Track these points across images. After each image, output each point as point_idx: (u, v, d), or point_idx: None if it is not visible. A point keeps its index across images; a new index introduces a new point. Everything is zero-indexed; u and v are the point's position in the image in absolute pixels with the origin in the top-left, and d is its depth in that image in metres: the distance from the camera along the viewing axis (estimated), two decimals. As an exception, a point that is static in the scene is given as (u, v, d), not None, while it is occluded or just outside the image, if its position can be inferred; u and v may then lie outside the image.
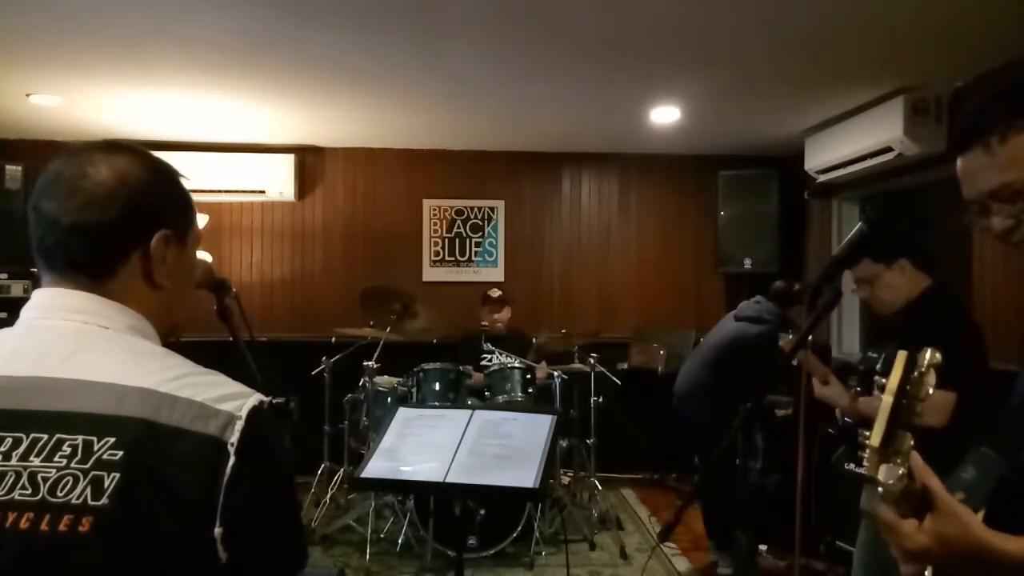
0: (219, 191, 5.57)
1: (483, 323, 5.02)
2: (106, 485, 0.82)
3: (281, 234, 5.99)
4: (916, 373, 0.94)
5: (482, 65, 3.97)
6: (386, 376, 4.75)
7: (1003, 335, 3.36)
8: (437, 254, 6.09)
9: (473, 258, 6.11)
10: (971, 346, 2.42)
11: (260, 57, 3.83)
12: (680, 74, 4.11)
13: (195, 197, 1.07)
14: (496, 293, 5.09)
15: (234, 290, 1.95)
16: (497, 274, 6.07)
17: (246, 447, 0.87)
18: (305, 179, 5.97)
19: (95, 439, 0.85)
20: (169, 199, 1.03)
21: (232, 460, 0.86)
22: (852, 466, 2.68)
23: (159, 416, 0.86)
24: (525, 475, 2.21)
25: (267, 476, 0.91)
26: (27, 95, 4.51)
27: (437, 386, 4.48)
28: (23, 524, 0.81)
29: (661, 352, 5.62)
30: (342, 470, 4.74)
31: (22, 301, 0.98)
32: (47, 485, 0.83)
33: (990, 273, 3.90)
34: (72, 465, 0.84)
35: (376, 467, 2.33)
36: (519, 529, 4.06)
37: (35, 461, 0.84)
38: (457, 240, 6.10)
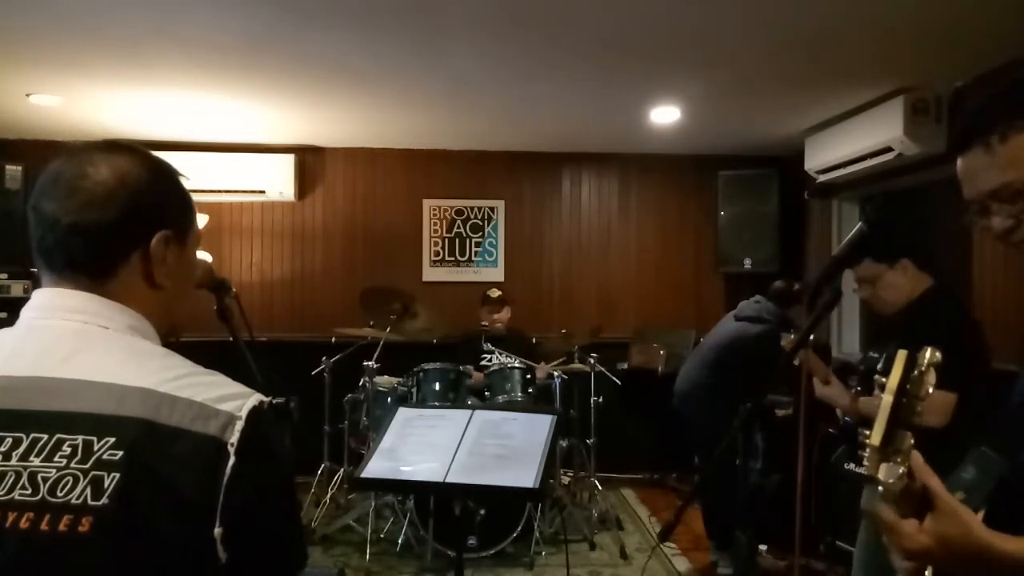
0: (219, 191, 5.57)
1: (483, 323, 5.02)
2: (106, 485, 0.82)
3: (281, 234, 5.99)
4: (916, 372, 0.95)
5: (482, 65, 3.97)
6: (386, 376, 4.75)
7: (1003, 335, 3.36)
8: (437, 254, 6.09)
9: (473, 258, 6.11)
10: (972, 346, 2.42)
11: (260, 57, 3.83)
12: (680, 74, 4.11)
13: (195, 197, 1.07)
14: (496, 293, 5.09)
15: (234, 290, 1.95)
16: (497, 274, 6.07)
17: (246, 447, 0.87)
18: (305, 179, 5.97)
19: (95, 439, 0.85)
20: (169, 199, 1.03)
21: (232, 460, 0.86)
22: (852, 466, 2.68)
23: (159, 416, 0.86)
24: (525, 475, 2.21)
25: (267, 476, 0.91)
26: (27, 95, 4.51)
27: (437, 386, 4.48)
28: (23, 524, 0.81)
29: (661, 352, 5.62)
30: (342, 470, 4.74)
31: (22, 301, 0.98)
32: (47, 485, 0.83)
33: (990, 273, 3.90)
34: (72, 465, 0.84)
35: (376, 467, 2.33)
36: (519, 529, 4.06)
37: (35, 461, 0.84)
38: (457, 240, 6.10)
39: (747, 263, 5.77)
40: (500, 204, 6.12)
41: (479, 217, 6.11)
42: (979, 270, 3.97)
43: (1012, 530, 0.98)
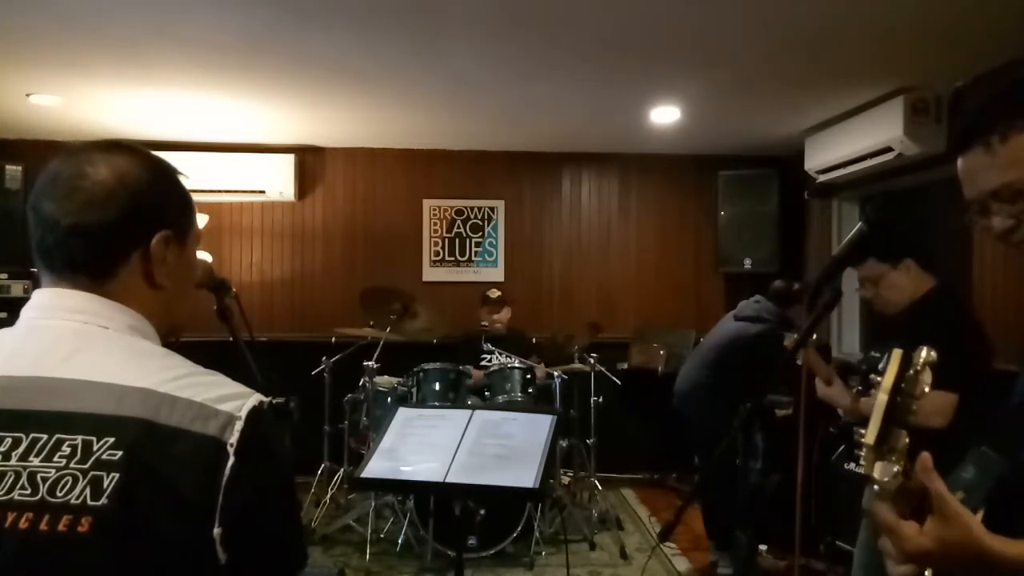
0: (219, 191, 5.57)
1: (483, 323, 5.02)
2: (105, 485, 0.82)
3: (281, 234, 5.99)
4: (912, 371, 0.95)
5: (482, 65, 3.97)
6: (386, 376, 4.75)
7: (1003, 335, 3.35)
8: (437, 254, 6.09)
9: (473, 258, 6.11)
10: (973, 346, 2.42)
11: (260, 57, 3.83)
12: (680, 74, 4.11)
13: (195, 197, 1.07)
14: (495, 294, 5.09)
15: (234, 290, 1.95)
16: (497, 274, 6.07)
17: (245, 447, 0.87)
18: (305, 179, 5.97)
19: (94, 439, 0.85)
20: (169, 199, 1.03)
21: (232, 460, 0.86)
22: (852, 466, 2.68)
23: (159, 416, 0.86)
24: (525, 475, 2.21)
25: (267, 476, 0.91)
26: (27, 95, 4.51)
27: (437, 386, 4.48)
28: (22, 524, 0.81)
29: (661, 352, 5.62)
30: (342, 470, 4.74)
31: (22, 301, 0.97)
32: (46, 485, 0.83)
33: (990, 273, 3.90)
34: (71, 465, 0.84)
35: (376, 467, 2.33)
36: (519, 529, 4.06)
37: (34, 461, 0.84)
38: (457, 240, 6.10)
39: (747, 263, 5.77)
40: (500, 204, 6.12)
41: (479, 217, 6.11)
42: (979, 270, 3.97)
43: (1011, 530, 0.98)
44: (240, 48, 3.69)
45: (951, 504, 0.93)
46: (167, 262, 1.00)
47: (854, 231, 1.79)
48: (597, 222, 6.19)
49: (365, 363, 4.42)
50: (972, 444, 1.25)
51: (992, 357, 2.45)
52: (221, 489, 0.85)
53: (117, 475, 0.83)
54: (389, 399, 4.50)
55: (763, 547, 4.08)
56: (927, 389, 0.94)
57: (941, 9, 3.15)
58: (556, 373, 4.72)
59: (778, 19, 3.28)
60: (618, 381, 5.13)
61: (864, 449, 0.94)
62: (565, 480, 4.96)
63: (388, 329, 4.46)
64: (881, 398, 0.94)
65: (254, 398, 0.92)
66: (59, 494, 0.82)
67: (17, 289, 4.85)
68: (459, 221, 6.09)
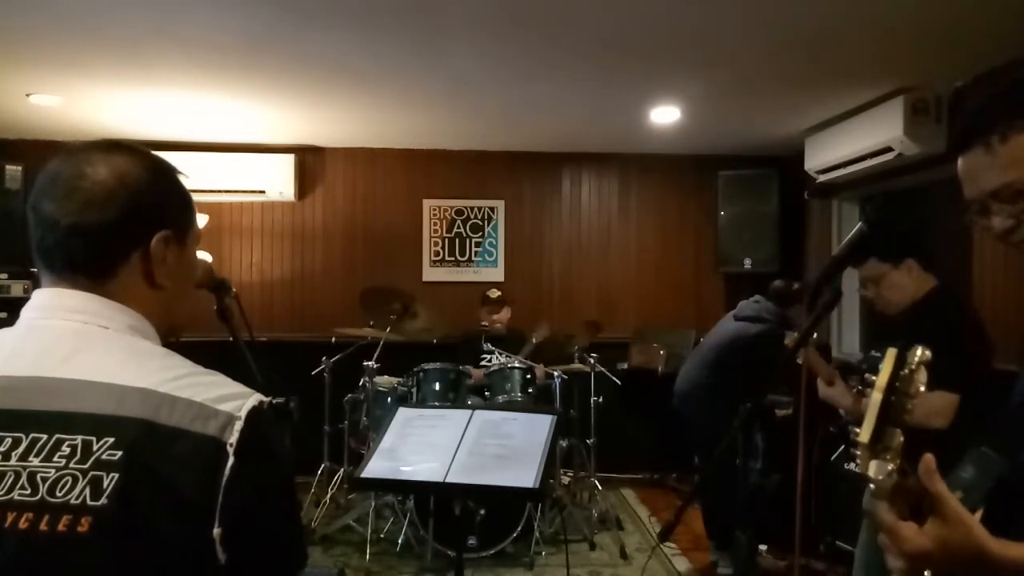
0: (219, 191, 5.57)
1: (483, 323, 5.03)
2: (105, 485, 0.82)
3: (281, 234, 5.99)
4: (906, 370, 0.95)
5: (482, 65, 3.97)
6: (386, 376, 4.74)
7: (1003, 335, 3.35)
8: (437, 254, 6.09)
9: (473, 258, 6.11)
10: (973, 347, 2.42)
11: (260, 57, 3.83)
12: (680, 74, 4.11)
13: (195, 197, 1.07)
14: (495, 294, 5.09)
15: (234, 290, 1.95)
16: (497, 274, 6.07)
17: (245, 447, 0.87)
18: (305, 179, 5.97)
19: (94, 439, 0.85)
20: (169, 199, 1.03)
21: (231, 460, 0.86)
22: (852, 466, 2.67)
23: (159, 416, 0.86)
24: (525, 475, 2.21)
25: (266, 476, 0.91)
26: (27, 95, 4.51)
27: (437, 386, 4.48)
28: (22, 524, 0.81)
29: (661, 352, 5.62)
30: (342, 470, 4.74)
31: (22, 301, 0.97)
32: (46, 485, 0.83)
33: (990, 273, 3.90)
34: (71, 465, 0.84)
35: (376, 467, 2.33)
36: (519, 529, 4.06)
37: (34, 461, 0.84)
38: (457, 240, 6.10)
39: (747, 263, 5.77)
40: (500, 204, 6.12)
41: (479, 217, 6.11)
42: (979, 270, 3.97)
43: (1010, 529, 0.98)
44: (240, 48, 3.69)
45: (951, 505, 0.93)
46: (167, 262, 1.00)
47: (854, 231, 1.79)
48: (597, 222, 6.19)
49: (365, 363, 4.42)
50: (972, 444, 1.25)
51: (992, 357, 2.45)
52: (221, 489, 0.85)
53: (117, 475, 0.83)
54: (389, 399, 4.50)
55: (763, 547, 4.08)
56: (922, 388, 0.94)
57: (941, 9, 3.15)
58: (556, 373, 4.72)
59: (778, 19, 3.28)
60: (618, 381, 5.13)
61: (860, 448, 0.94)
62: (565, 480, 4.96)
63: (388, 329, 4.46)
64: (875, 397, 0.95)
65: (254, 398, 0.92)
66: (59, 494, 0.82)
67: (17, 289, 4.85)
68: (459, 221, 6.09)
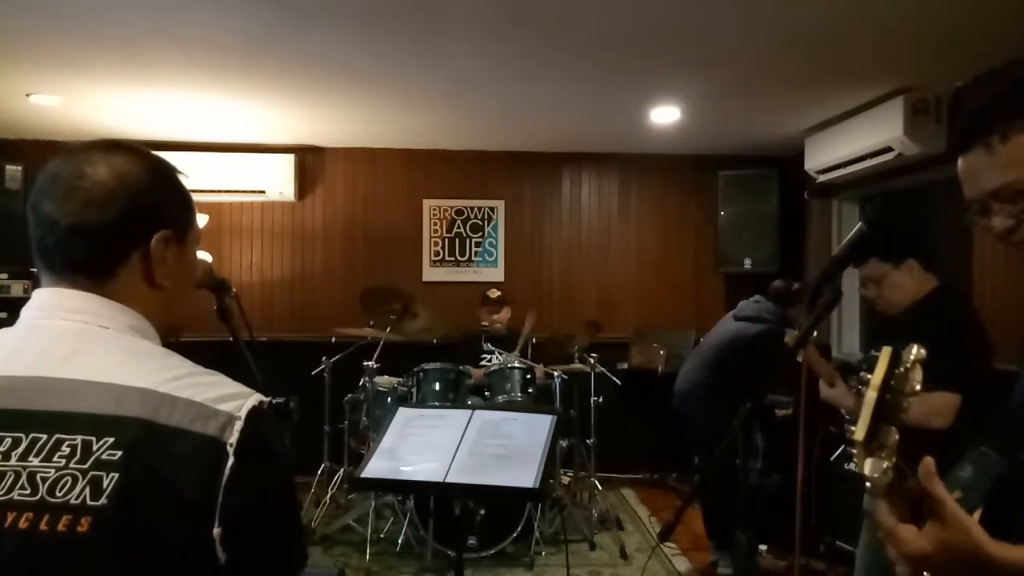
0: (219, 191, 5.57)
1: (483, 323, 5.03)
2: (105, 485, 0.82)
3: (281, 234, 5.99)
4: (901, 368, 0.95)
5: (482, 65, 3.97)
6: (386, 376, 4.74)
7: (1003, 335, 3.35)
8: (437, 254, 6.09)
9: (473, 258, 6.11)
10: (973, 347, 2.41)
11: (260, 57, 3.83)
12: (680, 74, 4.11)
13: (195, 197, 1.07)
14: (495, 294, 5.09)
15: (234, 290, 1.95)
16: (497, 274, 6.07)
17: (245, 447, 0.87)
18: (305, 179, 5.97)
19: (94, 439, 0.85)
20: (169, 199, 1.03)
21: (231, 460, 0.86)
22: (852, 466, 2.67)
23: (159, 416, 0.86)
24: (525, 475, 2.21)
25: (266, 476, 0.91)
26: (27, 95, 4.51)
27: (437, 386, 4.48)
28: (22, 524, 0.81)
29: (661, 352, 5.62)
30: (342, 470, 4.74)
31: (22, 301, 0.97)
32: (46, 485, 0.83)
33: (990, 273, 3.90)
34: (71, 465, 0.84)
35: (376, 467, 2.33)
36: (519, 529, 4.06)
37: (34, 461, 0.84)
38: (457, 240, 6.10)
39: (747, 263, 5.77)
40: (500, 204, 6.12)
41: (479, 217, 6.11)
42: (979, 270, 3.97)
43: (1009, 529, 0.98)
44: (240, 48, 3.69)
45: (950, 508, 0.93)
46: (167, 262, 1.00)
47: (854, 231, 1.79)
48: (597, 222, 6.19)
49: (365, 363, 4.42)
50: (972, 444, 1.25)
51: (992, 357, 2.45)
52: (221, 489, 0.85)
53: (117, 475, 0.83)
54: (389, 399, 4.50)
55: (763, 547, 4.08)
56: (918, 387, 0.94)
57: (941, 9, 3.15)
58: (556, 373, 4.72)
59: (778, 19, 3.28)
60: (618, 381, 5.13)
61: (856, 446, 0.94)
62: (565, 480, 4.96)
63: (388, 329, 4.46)
64: (870, 395, 0.95)
65: (254, 398, 0.92)
66: (59, 494, 0.82)
67: (17, 289, 4.85)
68: (459, 221, 6.09)
